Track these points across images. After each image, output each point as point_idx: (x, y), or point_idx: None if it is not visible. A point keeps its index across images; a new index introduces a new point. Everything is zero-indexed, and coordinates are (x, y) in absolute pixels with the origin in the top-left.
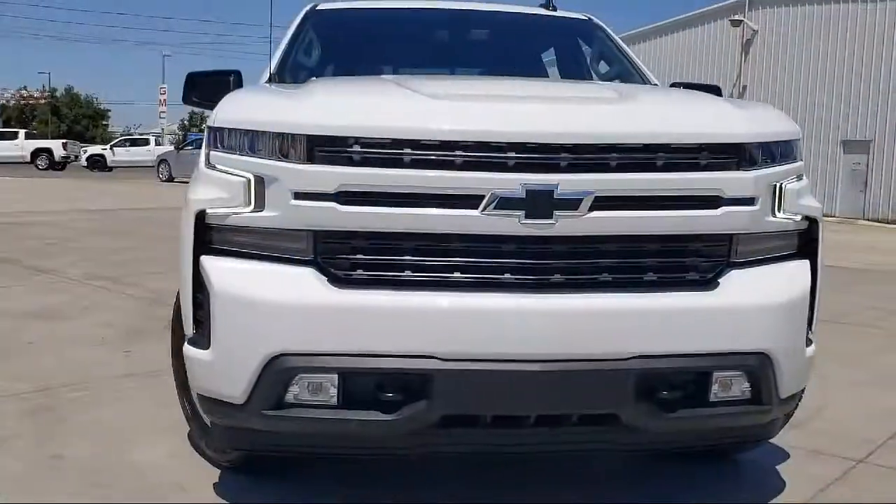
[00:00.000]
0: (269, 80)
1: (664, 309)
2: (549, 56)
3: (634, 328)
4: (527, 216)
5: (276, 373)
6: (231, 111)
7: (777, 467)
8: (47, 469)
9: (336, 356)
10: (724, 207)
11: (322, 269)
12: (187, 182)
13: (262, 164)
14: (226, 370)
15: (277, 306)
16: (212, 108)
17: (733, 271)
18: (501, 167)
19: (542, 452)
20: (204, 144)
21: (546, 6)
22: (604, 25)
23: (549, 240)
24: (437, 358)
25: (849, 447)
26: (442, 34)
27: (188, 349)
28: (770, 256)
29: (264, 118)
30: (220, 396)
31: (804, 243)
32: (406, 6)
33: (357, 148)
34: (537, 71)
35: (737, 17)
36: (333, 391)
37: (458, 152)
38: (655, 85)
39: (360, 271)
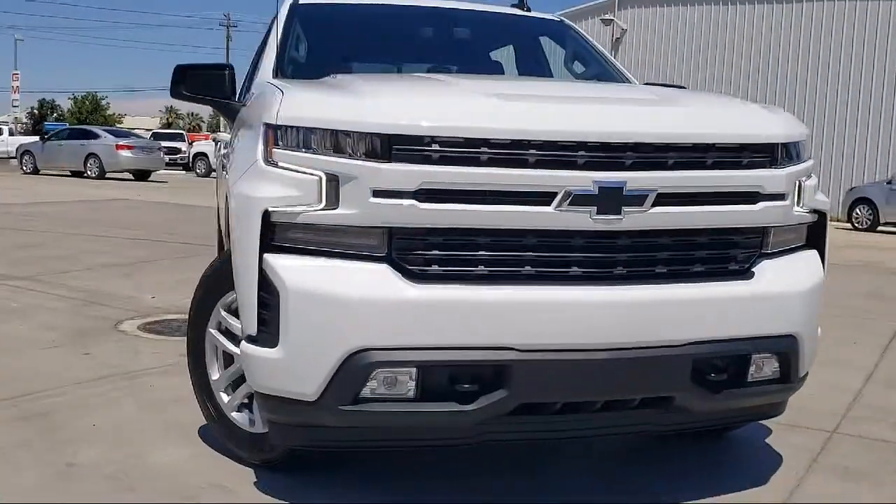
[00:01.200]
0: (276, 75)
1: (713, 297)
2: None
3: (688, 316)
4: (598, 212)
5: (355, 368)
6: (296, 109)
7: (766, 441)
8: (67, 478)
9: (415, 350)
10: (762, 202)
11: (396, 265)
12: (56, 175)
13: (337, 163)
14: (298, 367)
15: (356, 302)
16: (202, 102)
17: (765, 261)
18: (572, 165)
19: (599, 435)
20: (260, 141)
21: (520, 6)
22: (575, 26)
23: (615, 234)
24: (515, 349)
25: (818, 420)
26: (425, 31)
27: (249, 348)
28: (790, 247)
29: (335, 116)
30: (289, 394)
31: (814, 234)
32: (389, 2)
33: (435, 147)
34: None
35: (607, 17)
36: (411, 384)
37: (531, 151)
38: (635, 83)
39: (434, 266)
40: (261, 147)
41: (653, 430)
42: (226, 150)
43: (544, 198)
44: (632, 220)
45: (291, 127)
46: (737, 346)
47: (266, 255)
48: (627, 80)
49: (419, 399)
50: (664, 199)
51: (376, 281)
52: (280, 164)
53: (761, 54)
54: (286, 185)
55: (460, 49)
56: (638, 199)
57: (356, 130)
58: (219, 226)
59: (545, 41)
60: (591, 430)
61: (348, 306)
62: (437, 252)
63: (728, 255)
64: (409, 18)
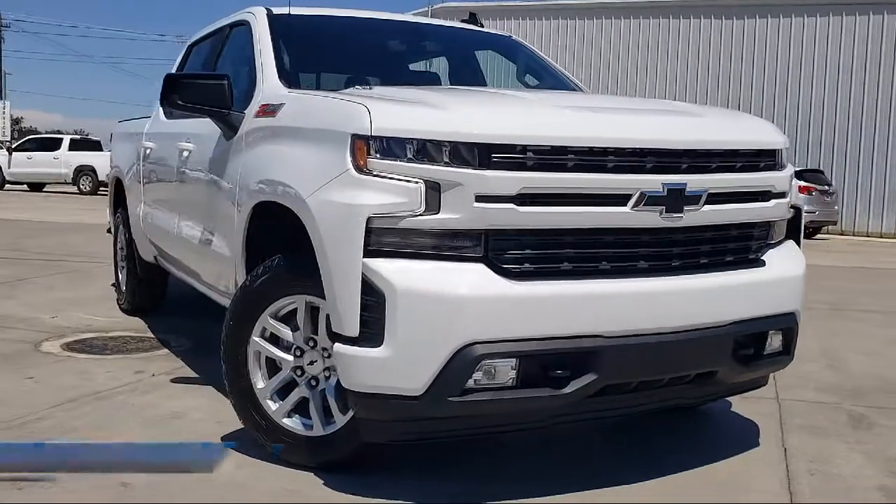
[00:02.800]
0: (286, 85)
1: (743, 283)
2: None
3: (728, 300)
4: (666, 211)
5: (464, 361)
6: (389, 121)
7: (732, 411)
8: (130, 497)
9: (515, 342)
10: (773, 200)
11: (492, 265)
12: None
13: (439, 171)
14: (405, 365)
15: (464, 300)
16: (197, 112)
17: (769, 251)
18: (643, 170)
19: (652, 410)
20: (347, 151)
21: (472, 22)
22: (524, 42)
23: (675, 230)
24: (602, 336)
25: (761, 390)
26: (392, 44)
27: (349, 350)
28: (782, 238)
29: (431, 128)
30: (394, 390)
31: (791, 227)
32: (356, 16)
33: (530, 155)
34: (475, 78)
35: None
36: (511, 373)
37: (610, 157)
38: (588, 91)
39: (526, 265)
40: (348, 157)
41: (686, 402)
42: (183, 160)
43: (622, 199)
44: (689, 217)
45: (388, 138)
46: (761, 324)
47: (367, 261)
48: (580, 89)
49: (518, 386)
50: (711, 198)
51: (478, 280)
52: (377, 173)
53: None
54: (387, 193)
55: (419, 54)
56: (695, 199)
57: (456, 141)
58: (115, 239)
59: (490, 55)
60: (648, 405)
61: (456, 304)
62: (528, 251)
63: (748, 246)
64: (375, 30)
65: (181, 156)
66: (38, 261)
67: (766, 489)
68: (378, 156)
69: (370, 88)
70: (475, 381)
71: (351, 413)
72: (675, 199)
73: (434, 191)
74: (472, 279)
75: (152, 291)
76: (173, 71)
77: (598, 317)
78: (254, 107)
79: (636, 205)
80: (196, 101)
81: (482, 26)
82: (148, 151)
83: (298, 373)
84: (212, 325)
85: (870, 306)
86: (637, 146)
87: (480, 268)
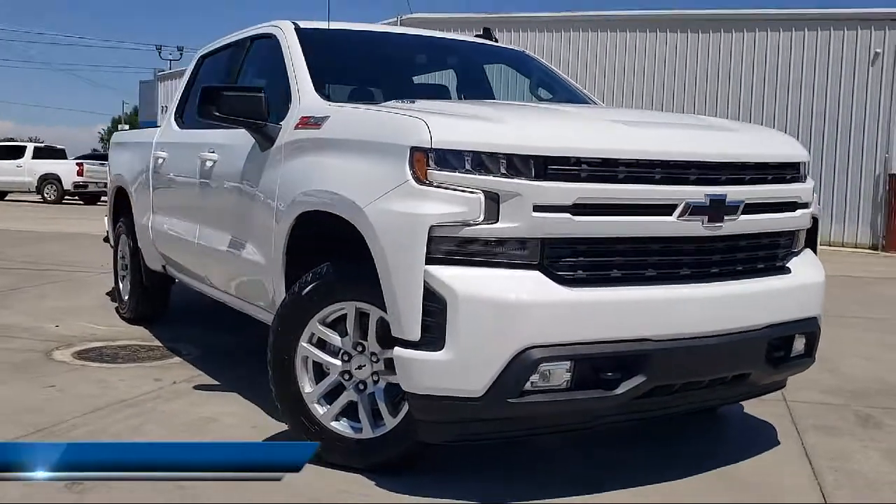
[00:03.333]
0: (324, 98)
1: (774, 289)
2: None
3: (762, 305)
4: (709, 220)
5: (523, 364)
6: (449, 134)
7: (746, 413)
8: None
9: (570, 345)
10: (799, 210)
11: (547, 272)
12: None
13: (499, 182)
14: (465, 367)
15: (524, 305)
16: (233, 123)
17: (794, 258)
18: (687, 181)
19: (690, 411)
20: (406, 163)
21: (486, 36)
22: (535, 56)
23: (715, 239)
24: (651, 340)
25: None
26: (415, 57)
27: (411, 353)
28: (802, 247)
29: (489, 141)
30: (455, 392)
31: (810, 236)
32: (375, 30)
33: (584, 167)
34: (483, 90)
35: None
36: (566, 376)
37: (657, 169)
38: (601, 104)
39: (579, 272)
40: (407, 168)
41: (718, 404)
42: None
43: (668, 209)
44: (728, 226)
45: (447, 150)
46: (789, 328)
47: (428, 267)
48: (594, 102)
49: (572, 388)
50: (747, 208)
51: (535, 286)
52: (437, 183)
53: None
54: (448, 203)
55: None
56: (733, 209)
57: (514, 153)
58: (116, 248)
59: (501, 69)
60: (688, 405)
61: (516, 309)
62: (581, 259)
63: (776, 254)
64: (397, 44)
65: (203, 166)
66: (25, 270)
67: (797, 484)
68: (437, 167)
69: (413, 102)
70: (532, 383)
71: (401, 416)
72: (717, 209)
73: (493, 201)
74: (529, 286)
75: (156, 301)
76: (184, 83)
77: (646, 321)
78: (292, 119)
79: (682, 214)
80: (233, 112)
81: (496, 41)
82: (160, 161)
83: (346, 377)
84: (217, 333)
85: (860, 313)
86: (682, 159)
87: (537, 275)
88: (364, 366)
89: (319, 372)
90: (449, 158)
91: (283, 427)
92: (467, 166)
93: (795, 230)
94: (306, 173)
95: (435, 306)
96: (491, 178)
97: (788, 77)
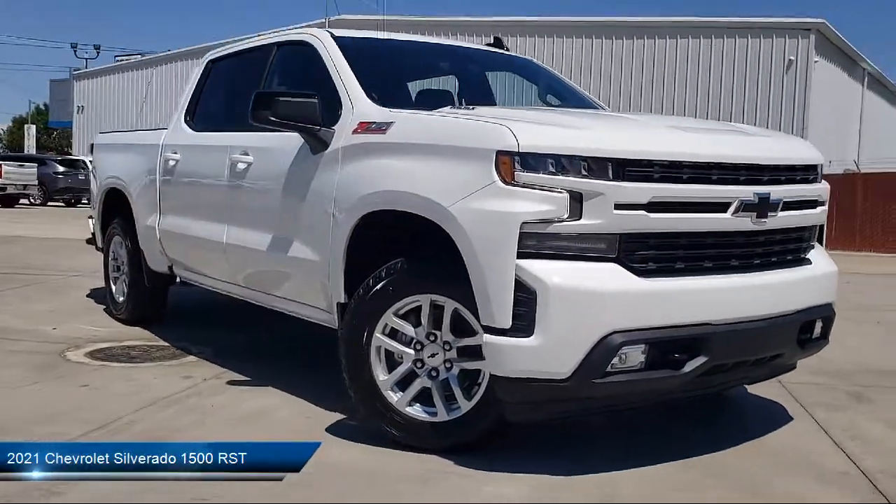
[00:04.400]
0: (379, 104)
1: (801, 278)
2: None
3: (794, 291)
4: (757, 216)
5: (607, 348)
6: (534, 139)
7: (751, 394)
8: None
9: (645, 330)
10: (819, 207)
11: (623, 264)
12: None
13: (582, 182)
14: (554, 352)
15: (607, 294)
16: (287, 128)
17: (812, 251)
18: (737, 181)
19: (730, 387)
20: (492, 165)
21: (497, 46)
22: (544, 65)
23: (759, 233)
24: (711, 324)
25: None
26: (441, 65)
27: (502, 340)
28: (815, 241)
29: (572, 145)
30: (544, 375)
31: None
32: (403, 39)
33: (656, 168)
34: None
35: None
36: (641, 357)
37: (714, 171)
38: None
39: (650, 263)
40: (493, 171)
41: (751, 381)
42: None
43: (723, 206)
44: (770, 222)
45: (532, 154)
46: (814, 312)
47: (520, 262)
48: (602, 107)
49: (646, 369)
50: (784, 206)
51: (616, 277)
52: (524, 184)
53: None
54: (536, 202)
55: (460, 75)
56: (775, 206)
57: (595, 156)
58: (107, 251)
59: (507, 76)
60: (734, 382)
61: (600, 298)
62: (652, 252)
63: (801, 247)
64: (425, 53)
65: (234, 167)
66: None
67: (823, 452)
68: (523, 169)
69: (472, 108)
70: (612, 365)
71: (476, 400)
72: (763, 206)
73: (576, 200)
74: (611, 277)
75: (156, 302)
76: (192, 86)
77: (707, 307)
78: (347, 124)
79: (735, 211)
80: (288, 117)
81: (508, 50)
82: (171, 163)
83: (418, 365)
84: (218, 332)
85: None
86: (734, 161)
87: (616, 267)
88: (437, 354)
89: (391, 361)
90: (534, 161)
91: (335, 416)
92: (551, 168)
93: (815, 226)
94: (371, 176)
95: (525, 296)
96: (575, 179)
97: (709, 81)
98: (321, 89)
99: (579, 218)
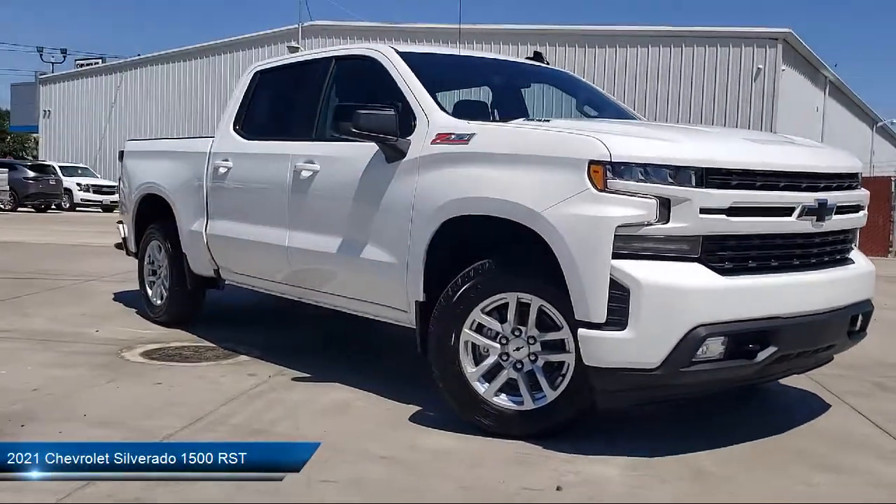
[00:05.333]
0: (455, 116)
1: (849, 275)
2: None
3: (845, 288)
4: (817, 219)
5: (693, 340)
6: (624, 149)
7: (783, 385)
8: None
9: (725, 323)
10: (861, 212)
11: (705, 263)
12: None
13: (671, 189)
14: (646, 344)
15: (693, 292)
16: (368, 139)
17: (853, 252)
18: (800, 188)
19: (789, 375)
20: (584, 173)
21: (537, 59)
22: (582, 78)
23: (817, 235)
24: (780, 317)
25: None
26: (494, 78)
27: (597, 333)
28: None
29: (659, 155)
30: (635, 365)
31: None
32: (459, 54)
33: (734, 177)
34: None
35: (293, 44)
36: (721, 348)
37: (781, 179)
38: (638, 119)
39: (727, 263)
40: (586, 178)
41: (801, 371)
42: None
43: (789, 211)
44: (827, 225)
45: (624, 163)
46: (859, 307)
47: (615, 262)
48: (638, 117)
49: (724, 359)
50: (837, 210)
51: (699, 275)
52: (615, 191)
53: None
54: (629, 207)
55: (501, 86)
56: (831, 210)
57: (682, 165)
58: (143, 256)
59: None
60: (797, 370)
61: (688, 295)
62: (728, 252)
63: (846, 247)
64: (478, 67)
65: (298, 175)
66: (10, 279)
67: (868, 433)
68: (615, 177)
69: (548, 121)
70: (696, 356)
71: (561, 389)
72: (822, 211)
73: (664, 206)
74: (695, 275)
75: (196, 304)
76: (239, 96)
77: (776, 302)
78: (423, 134)
79: (800, 215)
80: (367, 128)
81: (548, 63)
82: (222, 170)
83: (504, 358)
84: (258, 332)
85: None
86: (797, 170)
87: (699, 266)
88: (521, 347)
89: (476, 355)
90: (624, 170)
91: (412, 408)
92: (640, 176)
93: (857, 228)
94: (454, 183)
95: (619, 293)
96: (663, 186)
97: (683, 88)
98: (387, 101)
99: (667, 221)
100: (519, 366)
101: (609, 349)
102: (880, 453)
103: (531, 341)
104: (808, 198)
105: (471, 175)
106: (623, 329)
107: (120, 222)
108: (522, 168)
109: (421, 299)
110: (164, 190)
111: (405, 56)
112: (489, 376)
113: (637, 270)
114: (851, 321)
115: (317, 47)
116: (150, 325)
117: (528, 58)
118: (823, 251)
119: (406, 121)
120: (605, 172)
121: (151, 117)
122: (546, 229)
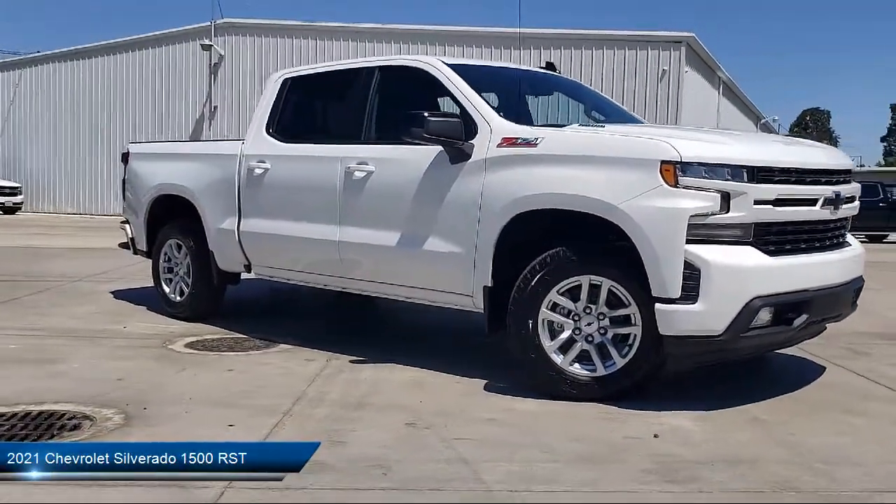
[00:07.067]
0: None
1: (852, 255)
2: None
3: (850, 265)
4: (833, 209)
5: (751, 309)
6: (692, 151)
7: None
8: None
9: (773, 296)
10: (855, 202)
11: (755, 246)
12: None
13: (731, 184)
14: (713, 314)
15: (751, 269)
16: (435, 143)
17: (848, 236)
18: (820, 182)
19: (806, 339)
20: (657, 172)
21: (549, 69)
22: (585, 84)
23: (831, 221)
24: (810, 290)
25: None
26: (524, 87)
27: (672, 307)
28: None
29: (720, 155)
30: (704, 332)
31: None
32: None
33: (776, 173)
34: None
35: (206, 42)
36: (769, 317)
37: (807, 175)
38: (643, 122)
39: (770, 246)
40: (659, 176)
41: (811, 337)
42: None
43: (814, 202)
44: (838, 212)
45: (692, 163)
46: (857, 282)
47: (687, 246)
48: (641, 121)
49: (770, 325)
50: (844, 200)
51: (753, 256)
52: (684, 186)
53: None
54: (698, 200)
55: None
56: (843, 200)
57: (738, 164)
58: (159, 254)
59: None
60: (810, 337)
61: (748, 272)
62: (771, 236)
63: (844, 232)
64: (507, 75)
65: (351, 175)
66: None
67: (866, 386)
68: (687, 175)
69: (603, 126)
70: (752, 323)
71: (629, 357)
72: (837, 201)
73: (725, 199)
74: (751, 256)
75: (219, 299)
76: (268, 102)
77: (807, 277)
78: (487, 138)
79: (823, 205)
80: (437, 133)
81: (560, 73)
82: (259, 171)
83: (576, 332)
84: (280, 321)
85: None
86: (819, 167)
87: (752, 249)
88: (592, 323)
89: (551, 330)
90: (691, 168)
91: (479, 381)
92: (704, 174)
93: (852, 216)
94: (524, 181)
95: (691, 272)
96: (723, 182)
97: (594, 88)
98: (434, 107)
99: (728, 211)
100: (590, 339)
101: (683, 320)
102: (889, 400)
103: (601, 317)
104: (828, 190)
105: (542, 174)
106: (695, 302)
107: (125, 223)
108: (595, 168)
109: (489, 284)
110: (186, 190)
111: (454, 67)
112: (563, 349)
113: (706, 253)
114: (855, 293)
115: (231, 45)
116: (171, 320)
117: (541, 67)
118: (836, 235)
119: (467, 126)
120: (676, 171)
121: (53, 117)
122: (624, 220)
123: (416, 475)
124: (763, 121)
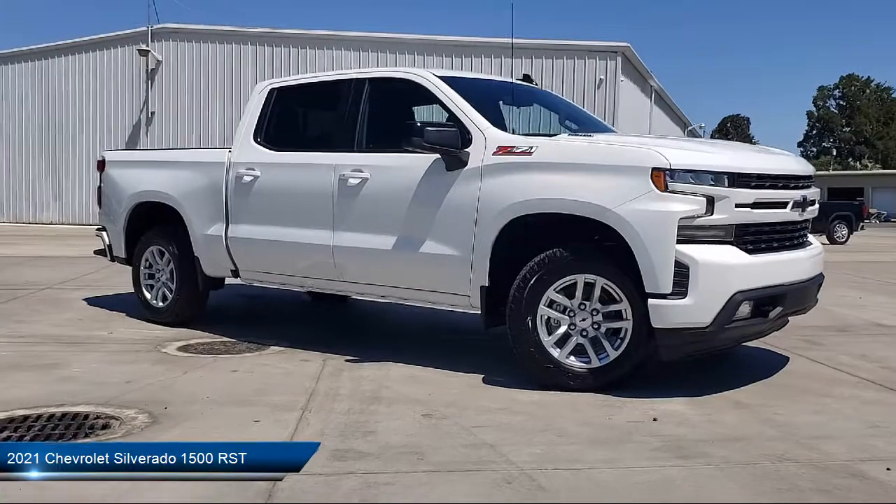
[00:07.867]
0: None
1: (814, 253)
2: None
3: (814, 262)
4: (801, 211)
5: (734, 303)
6: (679, 159)
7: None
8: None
9: (752, 290)
10: (815, 205)
11: (736, 245)
12: None
13: (714, 189)
14: (700, 308)
15: (734, 267)
16: (433, 151)
17: (809, 236)
18: (789, 187)
19: (774, 331)
20: (648, 178)
21: (526, 80)
22: (558, 95)
23: (798, 222)
24: (784, 285)
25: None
26: (507, 97)
27: (664, 301)
28: None
29: (705, 162)
30: (692, 324)
31: None
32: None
33: (753, 178)
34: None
35: (142, 47)
36: (748, 309)
37: (779, 181)
38: (615, 131)
39: (748, 245)
40: (650, 182)
41: (778, 328)
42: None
43: (785, 204)
44: (804, 214)
45: (681, 170)
46: (819, 278)
47: (678, 246)
48: (613, 130)
49: (749, 317)
50: (809, 203)
51: (735, 254)
52: (673, 191)
53: None
54: (685, 203)
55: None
56: (807, 203)
57: (720, 171)
58: (139, 261)
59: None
60: (774, 329)
61: (732, 269)
62: (750, 236)
63: (806, 233)
64: (492, 86)
65: (345, 182)
66: None
67: (835, 374)
68: (675, 180)
69: (591, 136)
70: (734, 315)
71: (621, 350)
72: (804, 203)
73: (709, 202)
74: (732, 254)
75: (202, 304)
76: (255, 111)
77: (781, 273)
78: (482, 147)
79: (792, 207)
80: (435, 142)
81: (537, 85)
82: (248, 178)
83: (572, 328)
84: (263, 325)
85: None
86: (788, 173)
87: (733, 248)
88: (586, 318)
89: (548, 326)
90: (680, 175)
91: (476, 376)
92: (690, 180)
93: (812, 218)
94: (520, 187)
95: (681, 270)
96: (708, 187)
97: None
98: (423, 117)
99: (712, 214)
100: (585, 333)
101: (673, 313)
102: (852, 385)
103: (594, 313)
104: (797, 194)
105: (538, 181)
106: (684, 297)
107: (101, 230)
108: (589, 174)
109: (486, 284)
110: (170, 197)
111: (444, 79)
112: (560, 343)
113: (694, 252)
114: (818, 288)
115: (168, 51)
116: (154, 325)
117: (518, 79)
118: (801, 235)
119: (462, 135)
120: (665, 177)
121: None
122: (618, 222)
123: (449, 459)
124: (690, 127)
